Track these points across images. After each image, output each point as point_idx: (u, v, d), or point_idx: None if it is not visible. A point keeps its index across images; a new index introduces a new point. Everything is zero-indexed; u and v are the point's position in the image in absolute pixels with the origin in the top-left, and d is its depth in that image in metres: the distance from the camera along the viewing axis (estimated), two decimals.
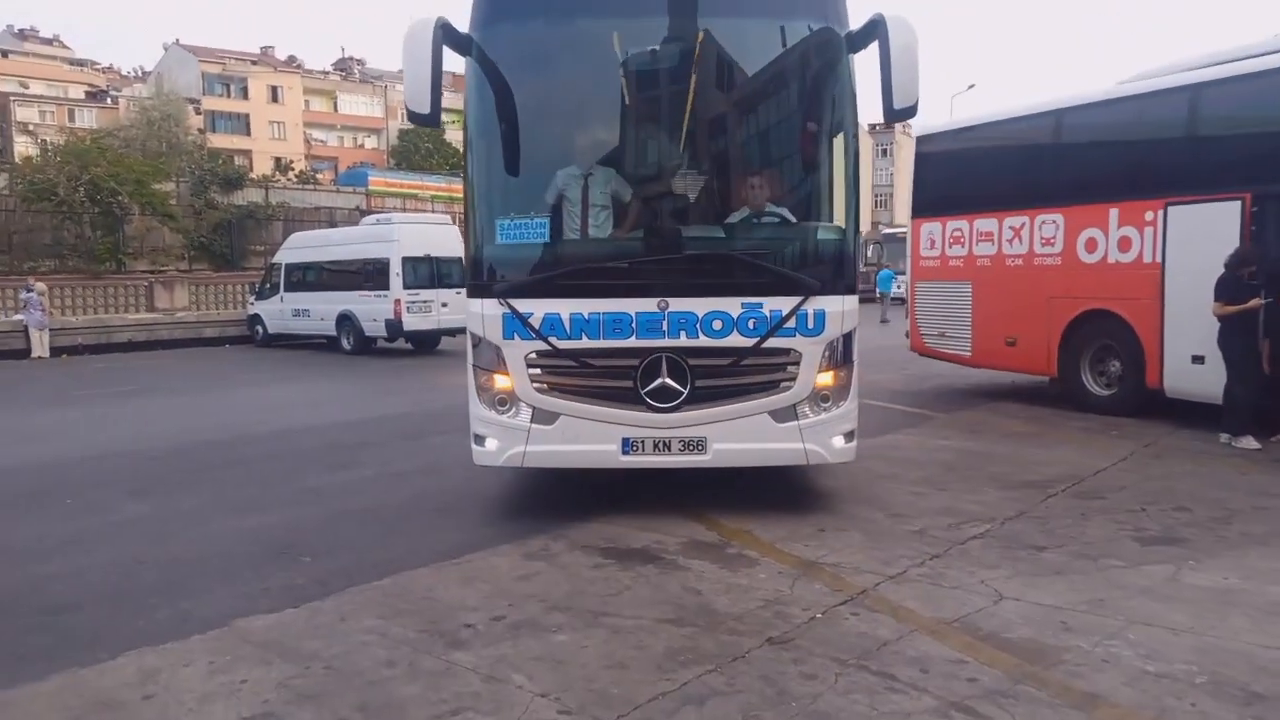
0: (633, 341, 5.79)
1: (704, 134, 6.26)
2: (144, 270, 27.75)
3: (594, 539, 5.79)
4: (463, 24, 5.94)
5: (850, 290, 5.99)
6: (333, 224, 31.22)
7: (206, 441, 9.55)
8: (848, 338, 5.95)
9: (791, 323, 5.78)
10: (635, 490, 6.73)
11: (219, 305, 26.18)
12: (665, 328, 5.77)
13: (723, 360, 5.82)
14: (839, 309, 5.86)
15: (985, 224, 11.49)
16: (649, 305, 5.76)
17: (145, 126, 41.01)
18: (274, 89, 69.77)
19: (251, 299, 23.81)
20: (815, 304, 5.80)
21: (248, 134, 67.42)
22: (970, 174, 11.98)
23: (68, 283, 24.13)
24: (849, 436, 6.09)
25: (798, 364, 5.83)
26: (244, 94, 70.64)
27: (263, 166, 53.23)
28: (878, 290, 29.27)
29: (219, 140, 58.66)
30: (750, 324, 5.79)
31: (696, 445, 5.90)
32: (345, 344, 20.01)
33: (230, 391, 14.42)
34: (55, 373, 18.19)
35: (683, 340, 5.78)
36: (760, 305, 5.78)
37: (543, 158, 6.19)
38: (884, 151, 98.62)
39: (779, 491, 6.84)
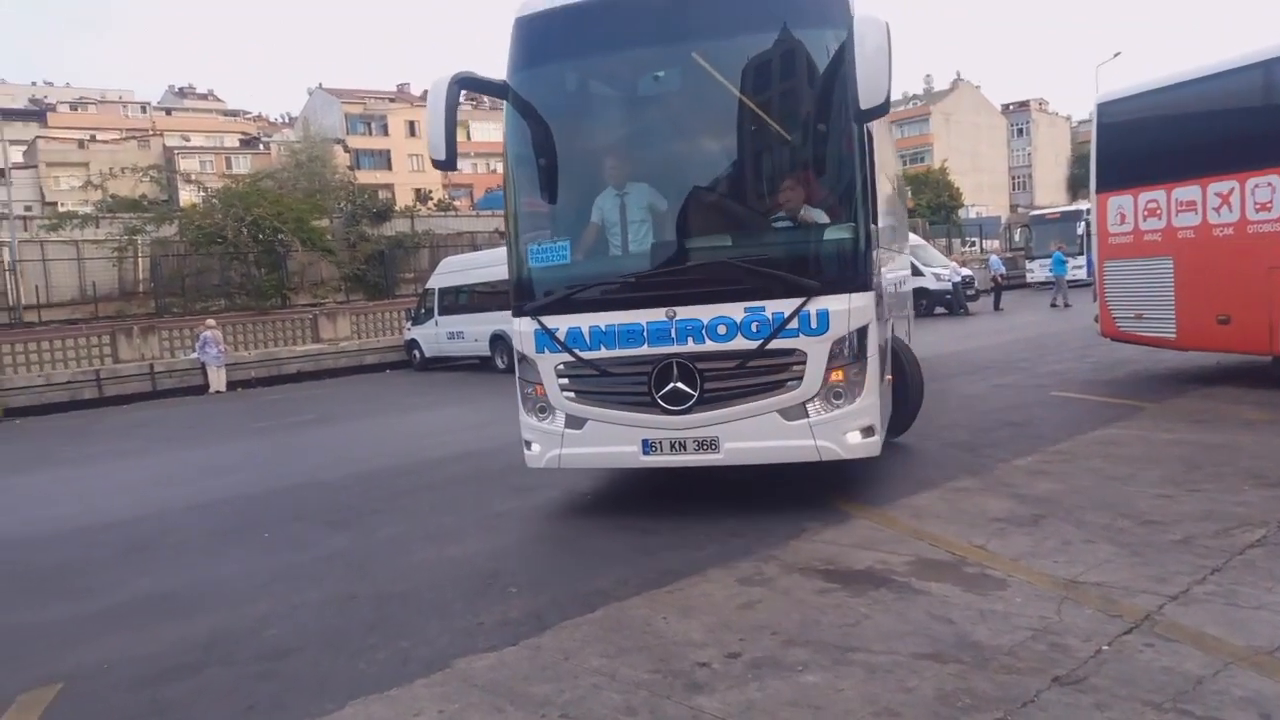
0: (645, 350, 6.20)
1: (704, 149, 6.74)
2: (306, 304, 29.02)
3: (808, 559, 5.37)
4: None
5: (862, 287, 6.01)
6: (475, 247, 31.87)
7: (390, 468, 9.63)
8: (859, 334, 6.00)
9: (794, 324, 5.95)
10: (830, 503, 6.27)
11: (378, 333, 27.02)
12: (674, 335, 6.14)
13: (729, 363, 6.08)
14: (844, 307, 5.94)
15: (1186, 192, 10.46)
16: (658, 315, 6.15)
17: (295, 169, 43.16)
18: (411, 124, 72.48)
19: (408, 324, 24.46)
20: (818, 304, 5.92)
21: (389, 168, 70.39)
22: (1165, 139, 10.93)
23: (238, 320, 25.42)
24: (867, 432, 6.12)
25: (803, 363, 5.99)
26: (384, 130, 73.83)
27: (404, 198, 55.35)
28: (1051, 274, 27.08)
29: (363, 176, 61.32)
30: (754, 327, 6.00)
31: (710, 444, 6.21)
32: (499, 363, 20.20)
33: (400, 417, 14.69)
34: (233, 406, 19.08)
35: (690, 346, 6.11)
36: (763, 309, 5.99)
37: (563, 188, 6.68)
38: (1020, 131, 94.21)
39: (992, 501, 6.25)
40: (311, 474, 9.84)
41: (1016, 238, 42.54)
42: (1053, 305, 25.35)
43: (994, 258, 29.44)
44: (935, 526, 5.83)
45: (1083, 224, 36.67)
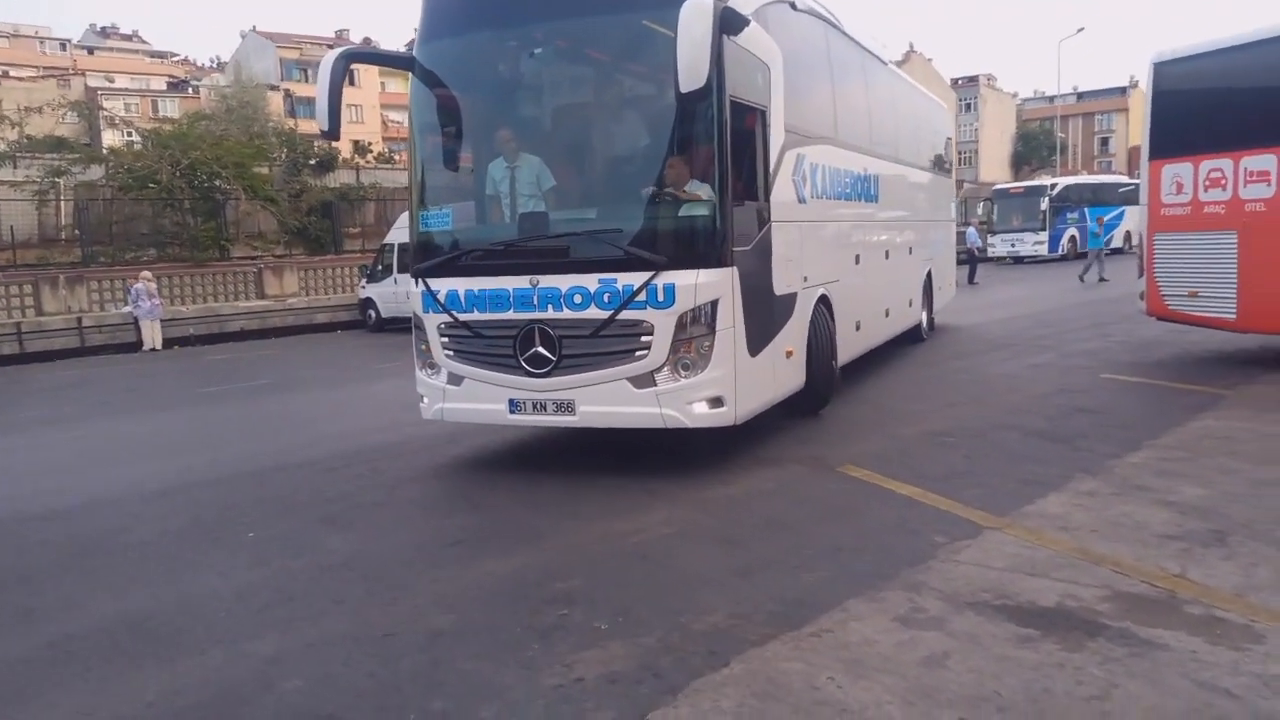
0: (510, 314, 6.60)
1: (574, 125, 7.21)
2: (243, 257, 26.99)
3: (969, 589, 4.30)
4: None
5: (715, 263, 6.26)
6: None
7: (376, 448, 8.29)
8: (707, 308, 6.23)
9: (642, 296, 6.21)
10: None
11: (328, 289, 25.26)
12: (536, 302, 6.50)
13: (583, 331, 6.39)
14: (691, 282, 6.18)
15: (1259, 161, 9.60)
16: (523, 282, 6.52)
17: (226, 114, 40.41)
18: (352, 72, 69.12)
19: (363, 282, 22.80)
20: (665, 278, 6.18)
21: None
22: (1236, 103, 10.07)
23: (174, 271, 23.45)
24: (714, 403, 6.36)
25: (651, 334, 6.25)
26: None
27: (343, 149, 52.62)
28: (1087, 246, 26.01)
29: (300, 125, 58.36)
30: (605, 297, 6.30)
31: (567, 407, 6.55)
32: None
33: (370, 385, 13.23)
34: (173, 366, 17.39)
35: (550, 313, 6.48)
36: (615, 280, 6.27)
37: (450, 157, 7.38)
38: (967, 106, 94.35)
39: (1141, 511, 5.28)
40: (285, 453, 8.45)
41: (979, 211, 42.15)
42: (1081, 279, 24.25)
43: (971, 230, 28.74)
44: (1099, 545, 4.81)
45: (1045, 199, 36.52)
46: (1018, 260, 35.99)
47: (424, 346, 7.20)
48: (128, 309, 20.57)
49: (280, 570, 5.25)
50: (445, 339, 6.99)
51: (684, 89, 5.60)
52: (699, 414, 6.34)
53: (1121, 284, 20.46)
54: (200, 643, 4.28)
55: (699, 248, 6.30)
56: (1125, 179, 47.75)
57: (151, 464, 8.42)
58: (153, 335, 20.24)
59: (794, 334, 7.72)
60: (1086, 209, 37.73)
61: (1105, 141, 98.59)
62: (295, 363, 16.86)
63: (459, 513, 6.28)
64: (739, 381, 6.47)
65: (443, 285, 6.88)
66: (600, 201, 6.92)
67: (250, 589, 4.97)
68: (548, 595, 4.56)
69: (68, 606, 4.88)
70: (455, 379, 6.98)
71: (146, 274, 20.99)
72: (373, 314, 22.11)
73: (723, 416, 6.41)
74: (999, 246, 36.69)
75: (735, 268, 6.40)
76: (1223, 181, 9.96)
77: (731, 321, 6.38)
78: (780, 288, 7.38)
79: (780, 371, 7.45)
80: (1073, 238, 36.88)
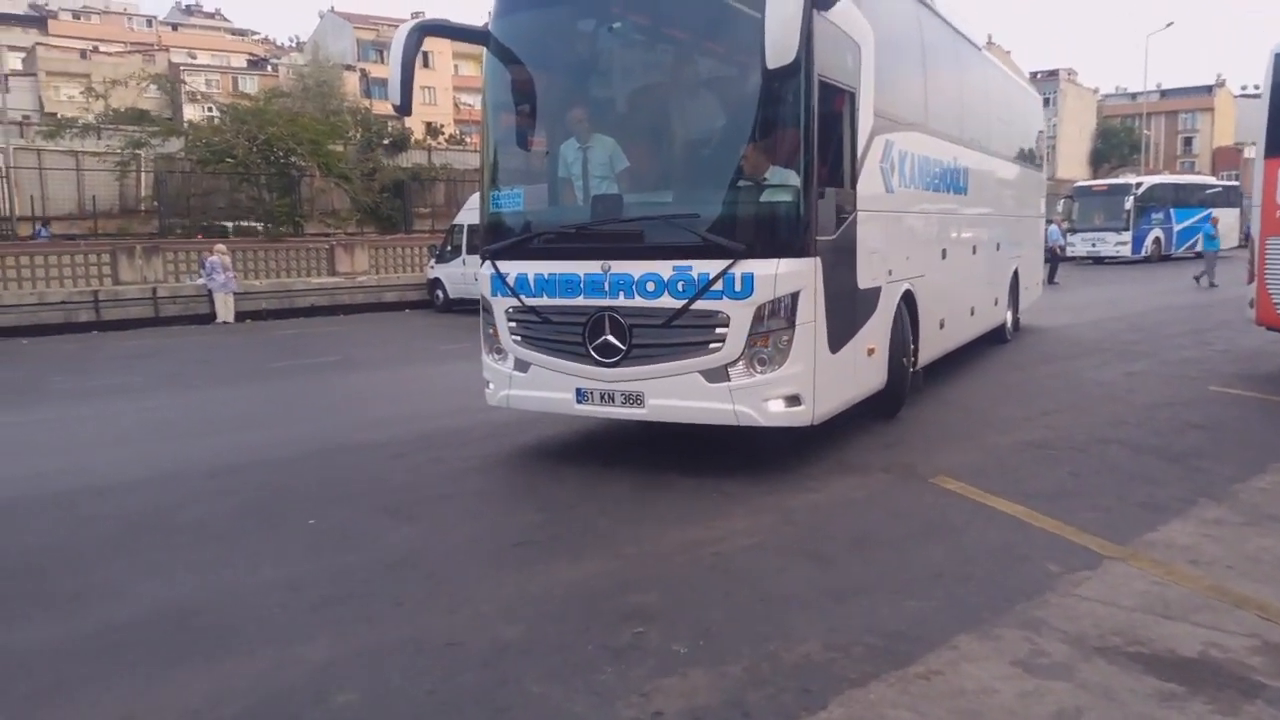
0: (580, 300, 6.32)
1: (654, 105, 6.85)
2: (316, 234, 27.15)
3: (1095, 631, 3.81)
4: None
5: (797, 252, 5.92)
6: None
7: (443, 433, 8.01)
8: (787, 300, 5.90)
9: (719, 286, 5.89)
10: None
11: (397, 269, 25.26)
12: (607, 288, 6.21)
13: (655, 320, 6.09)
14: (771, 272, 5.85)
15: None
16: (595, 268, 6.24)
17: (302, 93, 40.81)
18: (425, 54, 69.69)
19: (431, 262, 22.70)
20: (744, 267, 5.85)
21: None
22: None
23: (248, 246, 23.61)
24: (791, 401, 6.02)
25: (726, 326, 5.94)
26: None
27: (415, 130, 53.01)
28: (1202, 248, 24.64)
29: (374, 105, 58.97)
30: (679, 286, 6.00)
31: (636, 399, 6.24)
32: None
33: (436, 366, 13.03)
34: (244, 340, 17.46)
35: (621, 300, 6.18)
36: (690, 268, 5.96)
37: (532, 136, 7.07)
38: (1047, 101, 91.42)
39: (1271, 541, 4.71)
40: (350, 434, 8.24)
41: (1059, 209, 40.68)
42: (1196, 280, 22.92)
43: (1053, 227, 27.55)
44: (1239, 584, 4.28)
45: (1130, 198, 35.02)
46: (1097, 261, 34.61)
47: (491, 330, 6.96)
48: (202, 281, 20.76)
49: (338, 563, 4.97)
50: (513, 323, 6.74)
51: (771, 65, 5.28)
52: (774, 412, 6.01)
53: (1225, 290, 19.50)
54: (250, 641, 4.01)
55: (780, 236, 5.97)
56: (1213, 180, 45.78)
57: (215, 439, 8.27)
58: (226, 308, 20.39)
59: (877, 331, 7.28)
60: (1172, 209, 36.22)
61: (1189, 141, 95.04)
62: (363, 341, 16.78)
63: (525, 509, 5.95)
64: (818, 379, 6.10)
65: (512, 268, 6.64)
66: (676, 184, 6.61)
67: (306, 582, 4.70)
68: (622, 609, 4.20)
69: (116, 593, 4.66)
70: (522, 365, 6.73)
71: (221, 247, 21.15)
72: (440, 294, 22.02)
73: (799, 416, 6.06)
74: (1079, 246, 35.24)
75: (818, 258, 6.04)
76: None
77: (812, 315, 6.04)
78: (864, 281, 6.96)
79: (861, 370, 7.03)
80: (1157, 240, 35.40)
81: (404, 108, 6.54)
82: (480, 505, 6.21)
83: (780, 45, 5.22)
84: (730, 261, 5.84)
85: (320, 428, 8.74)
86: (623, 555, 4.94)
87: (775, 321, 5.91)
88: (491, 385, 7.04)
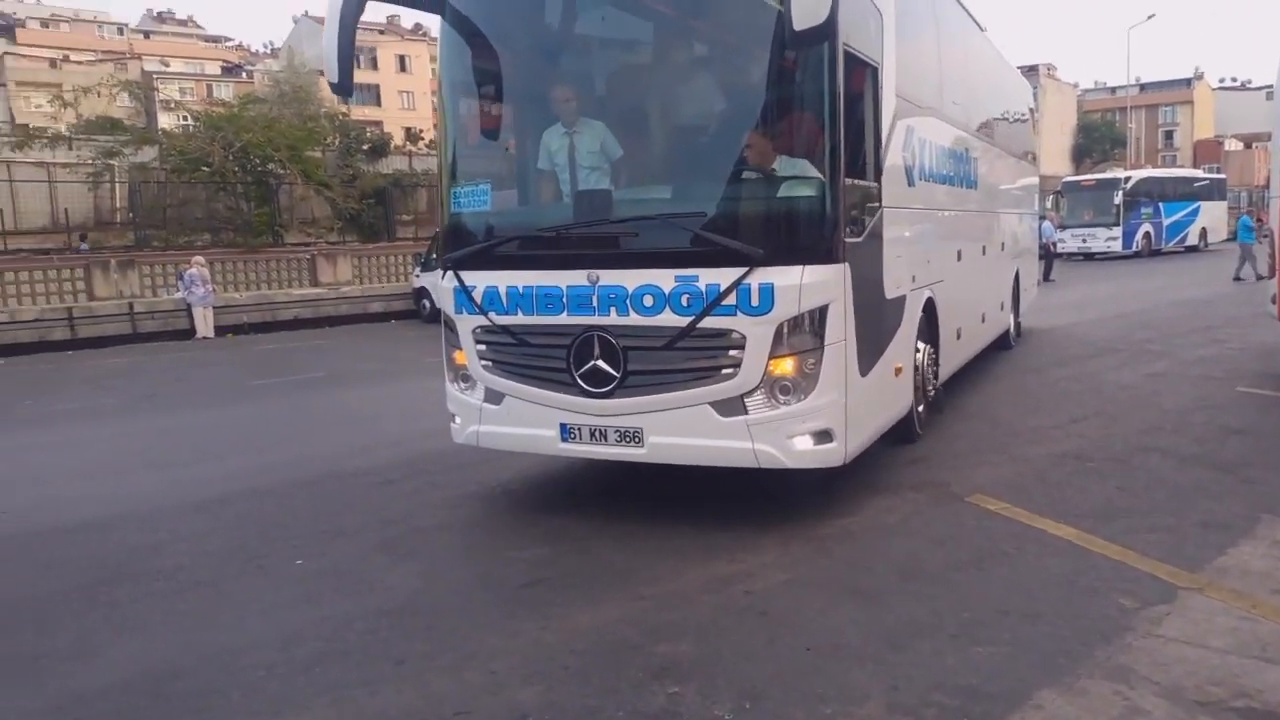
0: (564, 318, 5.35)
1: (647, 86, 5.89)
2: (296, 244, 26.54)
3: (1191, 681, 3.38)
4: None
5: (824, 257, 4.97)
6: None
7: (433, 455, 7.47)
8: (815, 316, 4.96)
9: (731, 299, 4.93)
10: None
11: (382, 278, 24.70)
12: (595, 303, 5.23)
13: (655, 342, 5.13)
14: (794, 282, 4.89)
15: None
16: (580, 278, 5.25)
17: (278, 99, 40.19)
18: (402, 58, 69.27)
19: (416, 271, 22.16)
20: (761, 276, 4.89)
21: (378, 104, 66.94)
22: None
23: (227, 257, 23.01)
24: (821, 437, 5.08)
25: (741, 348, 4.99)
26: (374, 64, 70.27)
27: (394, 136, 52.33)
28: (1238, 240, 24.02)
29: (352, 110, 58.17)
30: (684, 300, 5.03)
31: (632, 436, 5.28)
32: None
33: (427, 381, 12.27)
34: (225, 356, 16.89)
35: (613, 318, 5.21)
36: (696, 279, 4.99)
37: (489, 122, 6.08)
38: None
39: None
40: (338, 459, 7.74)
41: (1047, 205, 40.53)
42: (1236, 279, 22.38)
43: (1046, 224, 27.26)
44: None
45: (1119, 193, 34.87)
46: (1088, 257, 34.42)
47: (452, 355, 5.94)
48: (180, 294, 20.16)
49: (331, 612, 4.49)
50: (481, 346, 5.69)
51: (798, 27, 4.41)
52: (801, 451, 5.07)
53: (1219, 285, 19.25)
54: (234, 712, 3.53)
55: (804, 238, 5.03)
56: (1200, 174, 45.76)
57: (194, 468, 7.76)
58: (205, 322, 19.81)
59: (903, 347, 6.47)
60: (1161, 204, 36.12)
61: (1170, 135, 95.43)
62: (349, 354, 16.26)
63: (532, 542, 5.46)
64: (850, 410, 5.19)
65: (479, 279, 5.59)
66: (677, 177, 5.61)
67: (297, 637, 4.21)
68: (651, 664, 3.74)
69: (84, 654, 4.16)
70: (494, 396, 5.69)
71: (199, 259, 20.55)
72: (426, 304, 21.46)
73: (830, 454, 5.15)
74: (1069, 242, 35.02)
75: (847, 264, 5.10)
76: None
77: (843, 334, 5.10)
78: (890, 290, 6.07)
79: (888, 394, 6.17)
80: (1147, 234, 35.28)
81: (342, 86, 5.48)
82: (482, 538, 5.73)
83: (809, 2, 4.43)
84: (745, 270, 4.90)
85: (305, 452, 8.23)
86: (645, 596, 4.47)
87: (800, 341, 4.98)
88: (458, 420, 5.99)
